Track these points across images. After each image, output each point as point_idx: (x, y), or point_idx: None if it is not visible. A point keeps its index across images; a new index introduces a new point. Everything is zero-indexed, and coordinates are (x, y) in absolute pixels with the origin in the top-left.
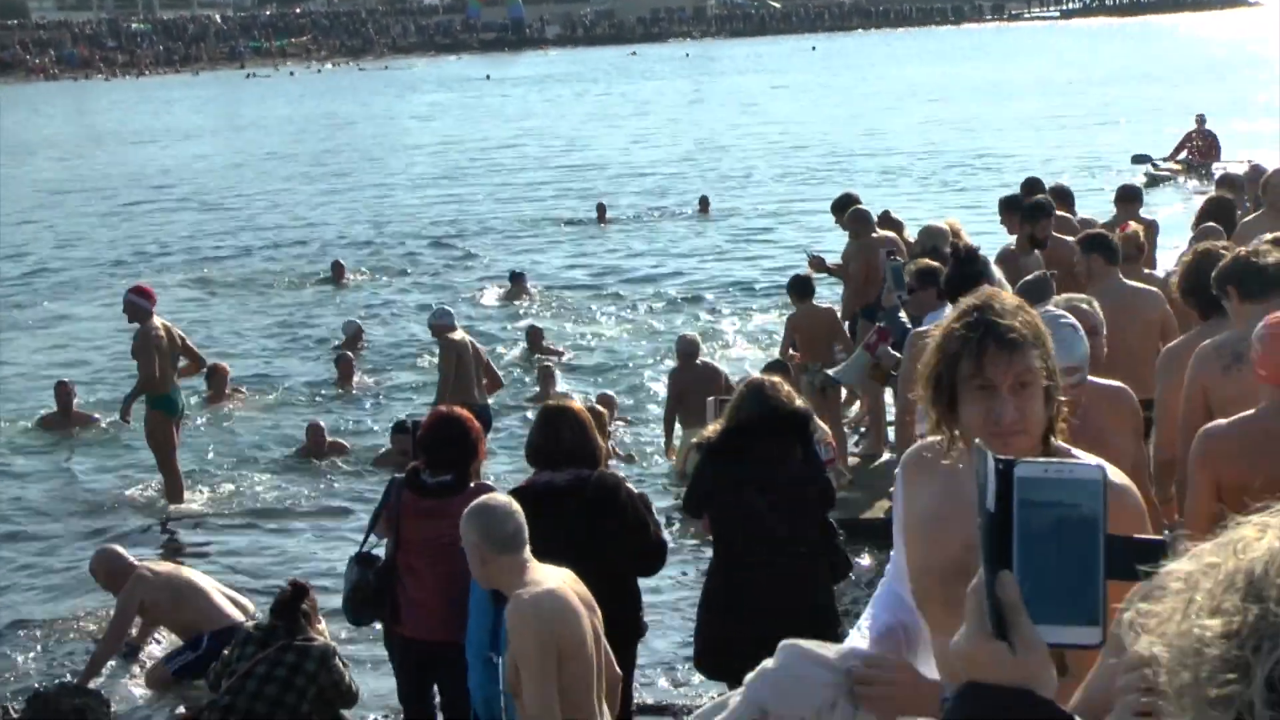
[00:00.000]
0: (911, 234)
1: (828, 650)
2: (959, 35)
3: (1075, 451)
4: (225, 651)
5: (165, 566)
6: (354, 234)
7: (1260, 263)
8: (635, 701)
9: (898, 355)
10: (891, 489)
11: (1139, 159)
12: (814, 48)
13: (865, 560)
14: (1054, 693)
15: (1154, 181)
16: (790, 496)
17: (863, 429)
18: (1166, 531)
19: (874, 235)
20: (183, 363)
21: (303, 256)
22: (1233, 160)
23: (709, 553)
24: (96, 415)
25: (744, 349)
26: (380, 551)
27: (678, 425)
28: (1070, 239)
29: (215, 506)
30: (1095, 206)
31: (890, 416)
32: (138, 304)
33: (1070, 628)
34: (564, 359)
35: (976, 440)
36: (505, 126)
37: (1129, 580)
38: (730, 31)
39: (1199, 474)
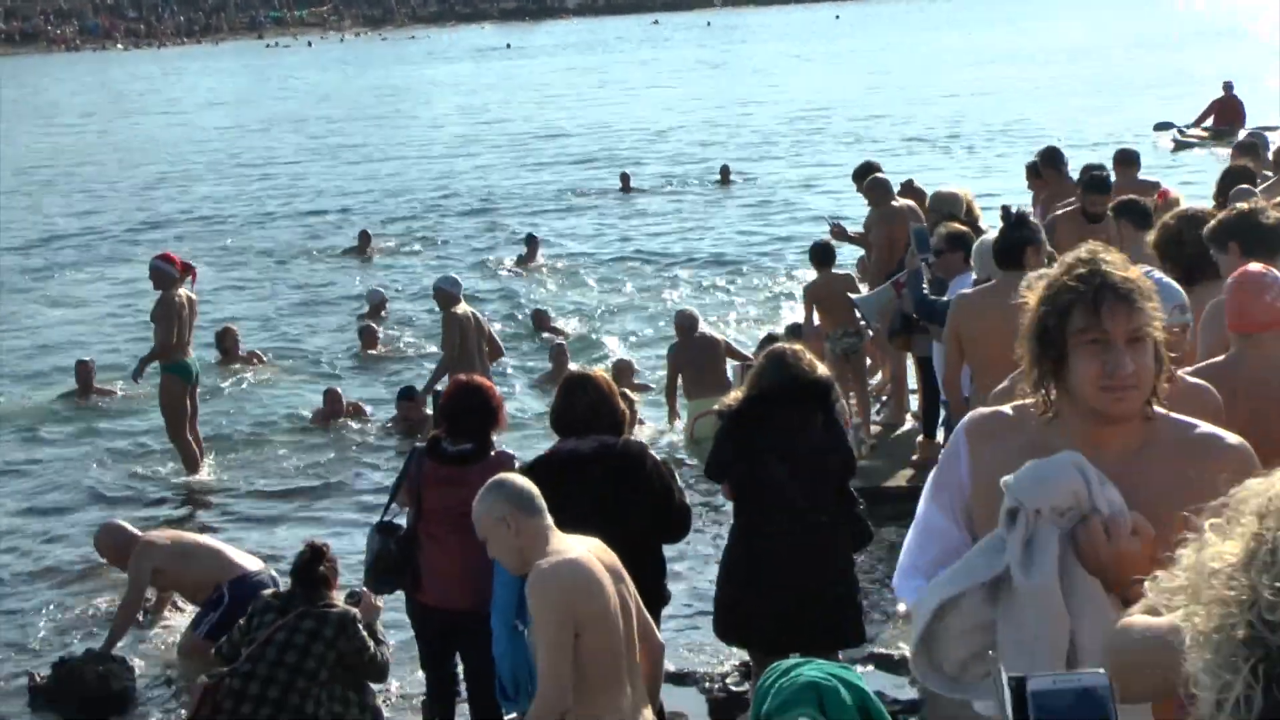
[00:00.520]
0: None
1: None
2: (982, 2)
3: (1175, 417)
4: (242, 621)
5: (169, 532)
6: (377, 203)
7: (1265, 221)
8: None
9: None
10: (914, 456)
11: (1162, 126)
12: (838, 16)
13: (886, 529)
14: None
15: (1181, 147)
16: (811, 465)
17: (884, 397)
18: None
19: (894, 204)
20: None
21: (327, 226)
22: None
23: (729, 520)
24: (116, 388)
25: (763, 317)
26: (402, 520)
27: (682, 396)
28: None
29: (233, 475)
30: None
31: (912, 385)
32: (164, 270)
33: None
34: (571, 335)
35: (990, 652)
36: (527, 95)
37: None
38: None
39: None
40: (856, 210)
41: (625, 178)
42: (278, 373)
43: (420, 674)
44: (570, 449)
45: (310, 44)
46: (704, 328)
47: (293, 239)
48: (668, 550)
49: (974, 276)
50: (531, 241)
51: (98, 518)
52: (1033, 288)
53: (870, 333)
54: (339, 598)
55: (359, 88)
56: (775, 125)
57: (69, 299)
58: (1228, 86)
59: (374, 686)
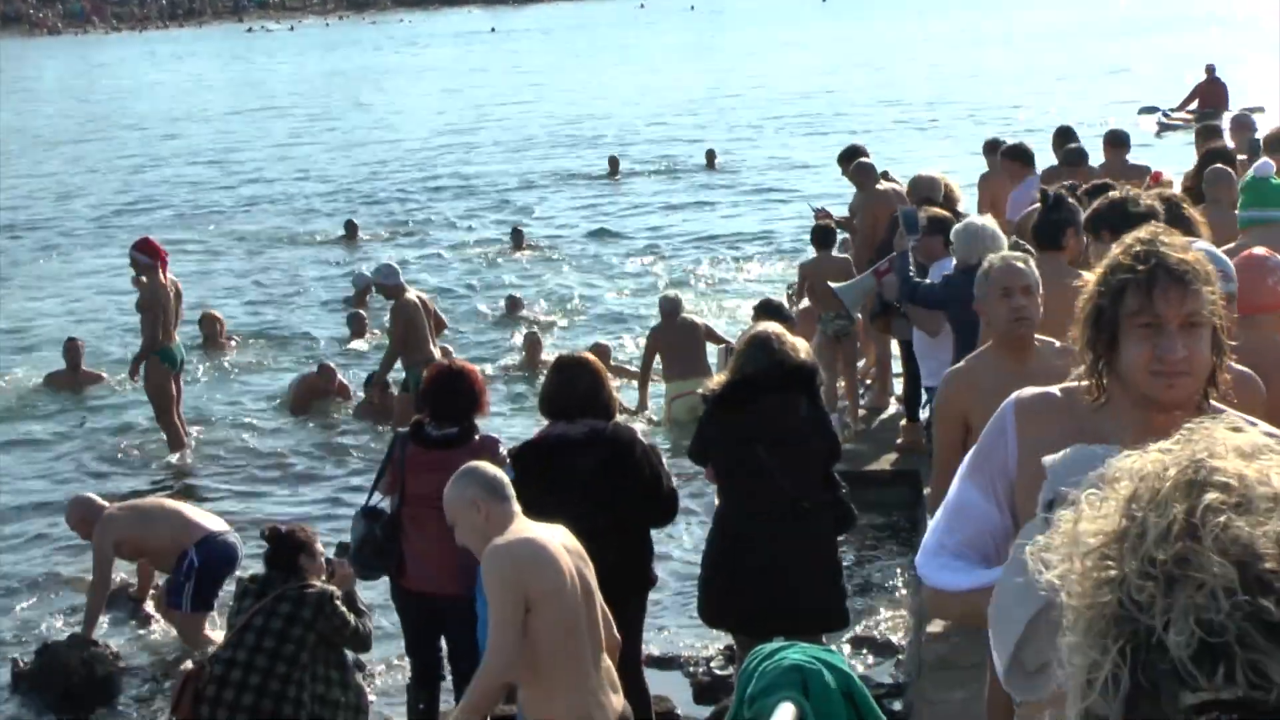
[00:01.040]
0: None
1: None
2: None
3: (1232, 413)
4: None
5: (133, 500)
6: (363, 189)
7: (1135, 209)
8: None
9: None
10: (899, 440)
11: (1147, 110)
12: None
13: (870, 513)
14: None
15: (1166, 130)
16: (795, 449)
17: (868, 381)
18: None
19: (878, 187)
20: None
21: (313, 213)
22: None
23: (713, 503)
24: (104, 374)
25: (747, 301)
26: (387, 505)
27: (662, 381)
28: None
29: (217, 459)
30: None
31: (897, 369)
32: (138, 259)
33: None
34: (546, 321)
35: None
36: (512, 79)
37: None
38: None
39: None
40: (837, 191)
41: (614, 162)
42: (264, 357)
43: (405, 658)
44: (560, 433)
45: (292, 28)
46: (686, 312)
47: (278, 225)
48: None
49: (953, 262)
50: (517, 234)
51: None
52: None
53: (852, 318)
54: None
55: (342, 72)
56: (761, 108)
57: (52, 283)
58: (1210, 70)
59: (358, 671)
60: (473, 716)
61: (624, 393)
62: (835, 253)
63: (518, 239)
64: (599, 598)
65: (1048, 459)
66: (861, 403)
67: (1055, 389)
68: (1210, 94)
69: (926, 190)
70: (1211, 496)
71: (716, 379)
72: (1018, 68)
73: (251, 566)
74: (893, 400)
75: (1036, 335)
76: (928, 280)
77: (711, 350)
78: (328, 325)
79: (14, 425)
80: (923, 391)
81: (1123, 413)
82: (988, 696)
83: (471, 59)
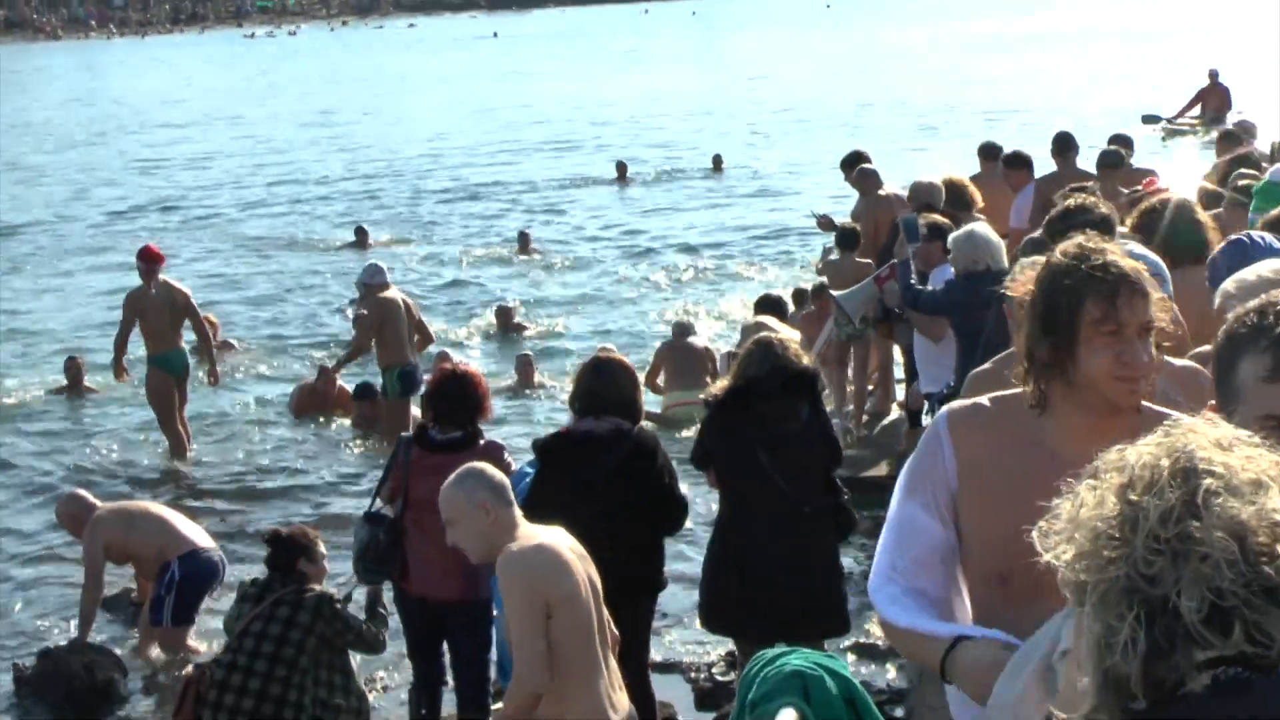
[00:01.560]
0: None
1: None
2: None
3: (1158, 409)
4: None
5: (124, 503)
6: (369, 195)
7: (1091, 216)
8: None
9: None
10: (901, 446)
11: (1149, 119)
12: (828, 5)
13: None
14: None
15: (1172, 135)
16: (796, 454)
17: (871, 387)
18: None
19: (881, 193)
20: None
21: (320, 217)
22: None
23: (714, 508)
24: (102, 387)
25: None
26: (390, 511)
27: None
28: None
29: (218, 464)
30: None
31: (899, 375)
32: (137, 266)
33: None
34: (540, 332)
35: None
36: (517, 84)
37: None
38: None
39: None
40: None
41: (621, 167)
42: (265, 361)
43: (407, 663)
44: (585, 429)
45: (293, 32)
46: (695, 340)
47: (286, 231)
48: None
49: (951, 270)
50: (523, 237)
51: None
52: (1023, 277)
53: (855, 325)
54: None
55: (345, 76)
56: (766, 113)
57: (53, 288)
58: (1213, 75)
59: (360, 673)
60: None
61: None
62: (860, 259)
63: (523, 242)
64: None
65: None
66: (865, 408)
67: (984, 399)
68: (1213, 99)
69: (926, 197)
70: (1208, 482)
71: (718, 384)
72: (1020, 72)
73: (250, 574)
74: (895, 406)
75: None
76: (928, 287)
77: (719, 353)
78: (334, 330)
79: (13, 433)
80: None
81: (1065, 418)
82: None
83: (476, 63)
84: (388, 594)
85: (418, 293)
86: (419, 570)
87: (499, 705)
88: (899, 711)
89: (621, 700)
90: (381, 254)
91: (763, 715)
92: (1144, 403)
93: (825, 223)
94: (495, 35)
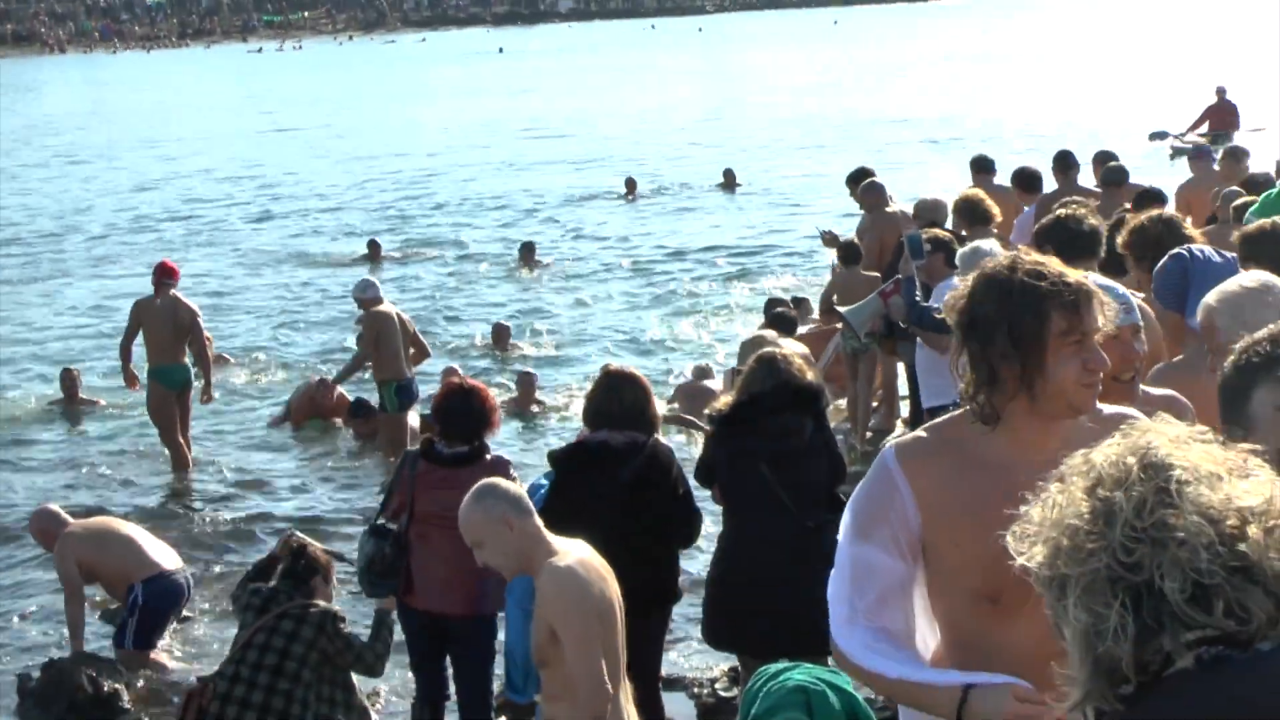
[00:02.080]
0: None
1: None
2: (974, 7)
3: (1119, 409)
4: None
5: (95, 520)
6: (379, 209)
7: (1076, 227)
8: None
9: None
10: None
11: (1157, 135)
12: (835, 21)
13: None
14: None
15: (1179, 154)
16: (800, 469)
17: (875, 403)
18: None
19: (887, 209)
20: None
21: (333, 232)
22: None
23: (718, 524)
24: (101, 400)
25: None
26: (395, 525)
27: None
28: None
29: (220, 478)
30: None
31: (904, 391)
32: (152, 279)
33: None
34: (531, 350)
35: None
36: (525, 99)
37: None
38: (743, 5)
39: None
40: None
41: (630, 183)
42: (268, 375)
43: (409, 677)
44: (600, 440)
45: (298, 47)
46: (711, 383)
47: (297, 245)
48: None
49: (956, 281)
50: (527, 249)
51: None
52: (954, 299)
53: (860, 341)
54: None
55: (351, 90)
56: (773, 128)
57: (57, 301)
58: (1220, 91)
59: (362, 688)
60: None
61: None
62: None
63: (527, 254)
64: None
65: None
66: (868, 424)
67: (921, 431)
68: (1221, 116)
69: (930, 213)
70: (1178, 472)
71: (722, 400)
72: (1027, 87)
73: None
74: (899, 423)
75: None
76: (932, 302)
77: (721, 369)
78: (345, 343)
79: (10, 447)
80: (924, 413)
81: (1017, 429)
82: None
83: (483, 78)
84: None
85: (423, 306)
86: (424, 584)
87: (502, 719)
88: None
89: (632, 712)
90: (393, 267)
91: None
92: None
93: (830, 239)
94: (501, 50)
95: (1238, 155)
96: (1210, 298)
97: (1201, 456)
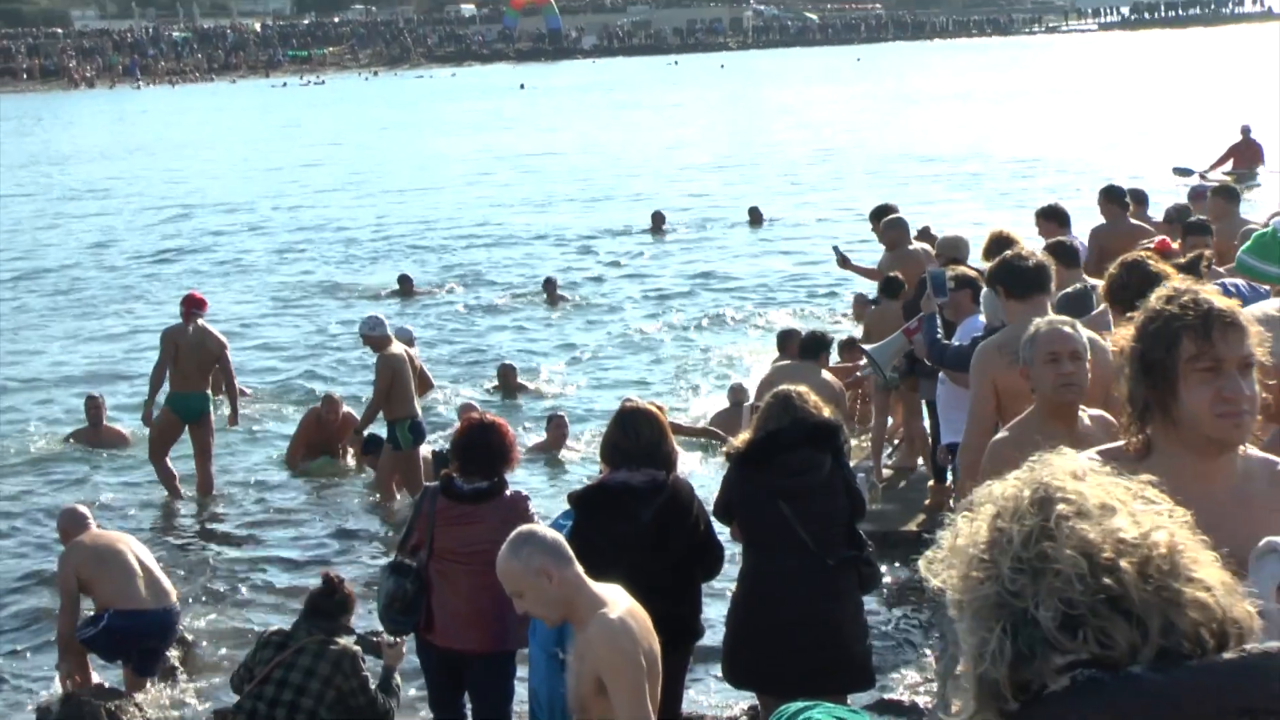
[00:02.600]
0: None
1: None
2: (998, 46)
3: (1258, 453)
4: (249, 654)
5: (108, 535)
6: (406, 242)
7: (1022, 265)
8: None
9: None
10: (926, 501)
11: (1181, 171)
12: (859, 59)
13: (896, 573)
14: None
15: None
16: (819, 506)
17: (896, 440)
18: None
19: (909, 246)
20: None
21: (361, 266)
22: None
23: (737, 561)
24: (126, 431)
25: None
26: (414, 561)
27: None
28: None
29: (241, 508)
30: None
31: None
32: (180, 310)
33: None
34: (538, 391)
35: None
36: (548, 135)
37: None
38: (766, 42)
39: None
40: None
41: (657, 218)
42: (284, 408)
43: (427, 713)
44: (621, 480)
45: (321, 82)
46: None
47: (328, 278)
48: None
49: (982, 320)
50: (549, 284)
51: None
52: (1121, 332)
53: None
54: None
55: (376, 125)
56: (800, 165)
57: (82, 333)
58: (1246, 130)
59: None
60: None
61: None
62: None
63: (550, 290)
64: None
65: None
66: (889, 462)
67: (1092, 453)
68: (1246, 154)
69: (953, 251)
70: (1060, 508)
71: (740, 437)
72: (1051, 124)
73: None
74: (920, 461)
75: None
76: (955, 340)
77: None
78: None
79: (35, 473)
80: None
81: (1168, 462)
82: None
83: (507, 113)
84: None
85: (450, 340)
86: (444, 620)
87: None
88: None
89: None
90: (424, 302)
91: None
92: (1250, 449)
93: (842, 261)
94: (523, 87)
95: (1230, 195)
96: None
97: (1095, 490)
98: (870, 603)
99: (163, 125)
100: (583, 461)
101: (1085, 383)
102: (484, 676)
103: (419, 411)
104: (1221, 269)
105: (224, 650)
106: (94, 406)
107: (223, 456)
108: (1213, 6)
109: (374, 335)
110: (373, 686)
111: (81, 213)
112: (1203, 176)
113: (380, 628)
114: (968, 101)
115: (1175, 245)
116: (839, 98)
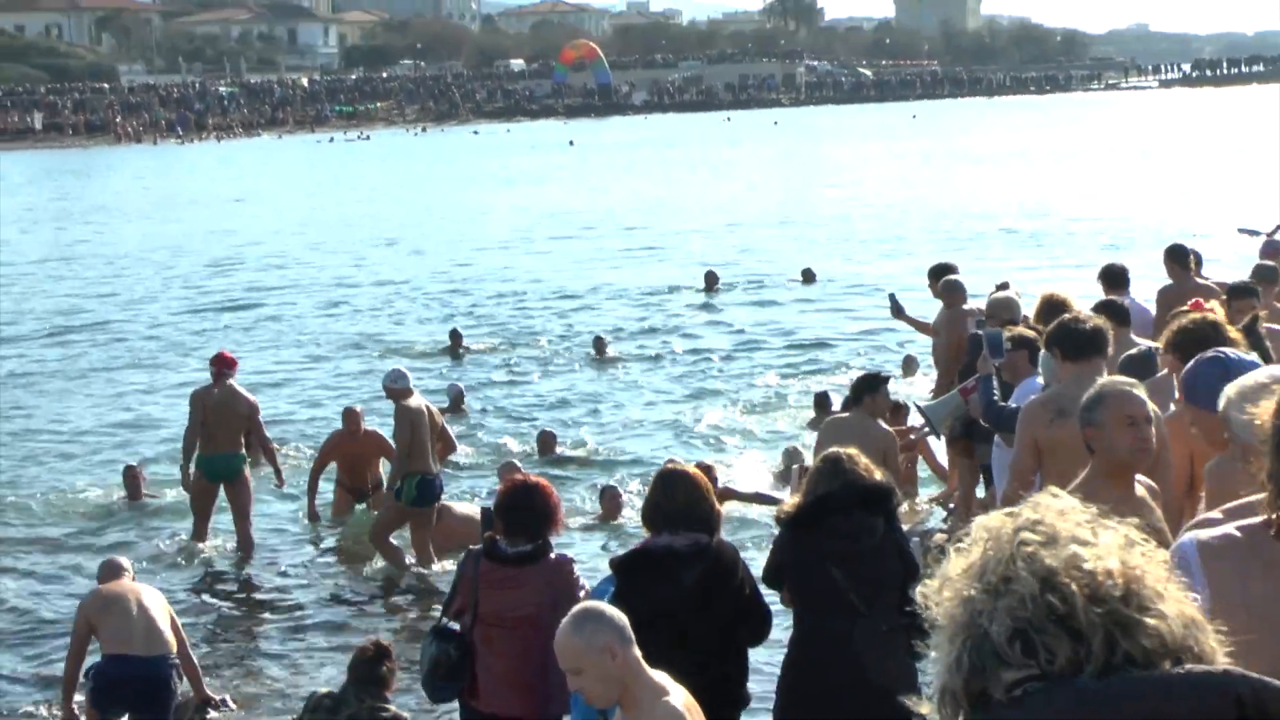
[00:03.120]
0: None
1: None
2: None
3: None
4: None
5: (123, 585)
6: (457, 301)
7: (1078, 328)
8: None
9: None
10: None
11: (1247, 231)
12: (914, 116)
13: None
14: None
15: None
16: (871, 571)
17: (950, 504)
18: None
19: (965, 306)
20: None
21: (409, 322)
22: None
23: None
24: (166, 492)
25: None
26: (457, 626)
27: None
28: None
29: (271, 572)
30: (1211, 274)
31: (980, 494)
32: (209, 370)
33: None
34: (576, 455)
35: None
36: (600, 191)
37: None
38: (820, 99)
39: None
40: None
41: (711, 277)
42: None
43: None
44: (664, 545)
45: (366, 137)
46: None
47: (375, 334)
48: None
49: (1039, 381)
50: (599, 343)
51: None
52: (1265, 405)
53: (940, 438)
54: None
55: (425, 180)
56: (857, 223)
57: (120, 390)
58: None
59: None
60: None
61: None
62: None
63: (599, 347)
64: None
65: None
66: (943, 526)
67: (1233, 529)
68: None
69: (1005, 311)
70: (1026, 535)
71: (790, 501)
72: (1113, 183)
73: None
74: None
75: None
76: (1012, 402)
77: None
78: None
79: (73, 536)
80: None
81: None
82: None
83: (555, 169)
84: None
85: (491, 398)
86: (489, 686)
87: None
88: None
89: None
90: (474, 359)
91: None
92: None
93: (896, 311)
94: (571, 144)
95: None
96: (1230, 390)
97: (1071, 524)
98: (924, 668)
99: (207, 180)
100: (638, 530)
101: (1155, 447)
102: None
103: (433, 468)
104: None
105: (261, 715)
106: (132, 477)
107: (262, 514)
108: (1276, 64)
109: (395, 388)
110: None
111: (122, 268)
112: (1270, 237)
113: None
114: (1026, 159)
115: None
116: (895, 154)
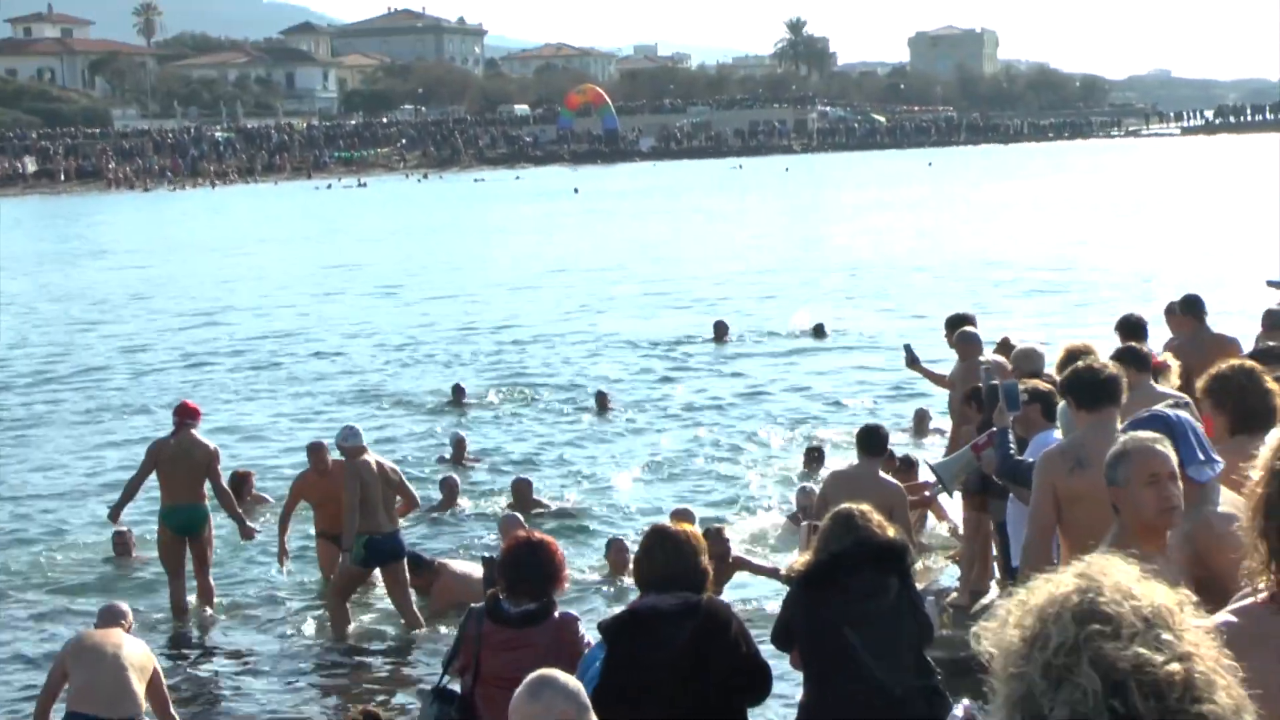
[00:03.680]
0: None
1: None
2: (1076, 150)
3: None
4: None
5: (104, 634)
6: (458, 351)
7: (1094, 377)
8: None
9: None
10: None
11: (1275, 284)
12: (930, 163)
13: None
14: None
15: None
16: (885, 632)
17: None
18: None
19: (980, 358)
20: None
21: (411, 375)
22: None
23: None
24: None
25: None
26: (458, 686)
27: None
28: None
29: (255, 630)
30: (1239, 329)
31: (994, 551)
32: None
33: None
34: (553, 508)
35: None
36: (609, 238)
37: None
38: (832, 145)
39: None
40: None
41: (720, 327)
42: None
43: None
44: (650, 605)
45: (363, 184)
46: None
47: (376, 387)
48: None
49: (1057, 435)
50: (600, 398)
51: None
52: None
53: (952, 495)
54: None
55: (421, 230)
56: (870, 272)
57: (118, 439)
58: None
59: None
60: None
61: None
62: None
63: (601, 403)
64: None
65: None
66: (957, 584)
67: (1228, 615)
68: None
69: (1028, 364)
70: (1093, 627)
71: (801, 559)
72: (1134, 233)
73: None
74: (993, 584)
75: None
76: (1027, 455)
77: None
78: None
79: (62, 594)
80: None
81: None
82: None
83: (564, 217)
84: None
85: (493, 451)
86: None
87: None
88: None
89: None
90: (476, 413)
91: None
92: None
93: (911, 361)
94: (576, 191)
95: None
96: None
97: (1138, 603)
98: None
99: (199, 228)
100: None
101: (1183, 503)
102: None
103: (385, 527)
104: None
105: None
106: (122, 542)
107: (251, 579)
108: None
109: (347, 445)
110: None
111: (113, 316)
112: None
113: None
114: (1045, 208)
115: None
116: (910, 202)
